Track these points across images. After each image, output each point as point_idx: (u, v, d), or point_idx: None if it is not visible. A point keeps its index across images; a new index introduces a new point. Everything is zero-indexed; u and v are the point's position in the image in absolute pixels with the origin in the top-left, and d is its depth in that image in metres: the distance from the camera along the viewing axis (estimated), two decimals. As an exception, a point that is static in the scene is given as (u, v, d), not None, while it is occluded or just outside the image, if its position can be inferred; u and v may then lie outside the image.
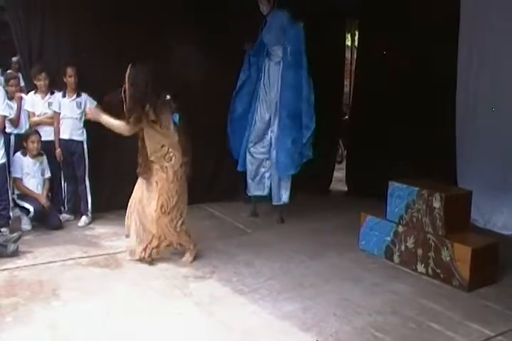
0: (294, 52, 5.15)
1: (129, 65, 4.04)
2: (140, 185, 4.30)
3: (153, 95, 4.01)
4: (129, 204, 4.35)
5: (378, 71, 6.22)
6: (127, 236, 4.43)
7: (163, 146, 4.12)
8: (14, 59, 6.81)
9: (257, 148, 5.54)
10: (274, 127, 5.38)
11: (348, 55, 9.12)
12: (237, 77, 5.60)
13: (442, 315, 3.46)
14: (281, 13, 5.27)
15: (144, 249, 4.23)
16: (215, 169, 6.20)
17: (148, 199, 4.22)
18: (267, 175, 5.55)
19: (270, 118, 5.43)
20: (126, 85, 4.01)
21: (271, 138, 5.44)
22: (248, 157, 5.57)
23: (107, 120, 4.18)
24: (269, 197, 5.56)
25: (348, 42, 9.37)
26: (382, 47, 6.10)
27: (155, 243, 4.23)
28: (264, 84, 5.45)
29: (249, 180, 5.64)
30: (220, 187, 6.23)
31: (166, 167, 4.13)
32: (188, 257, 4.30)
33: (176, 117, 4.14)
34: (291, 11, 5.24)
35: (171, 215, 4.19)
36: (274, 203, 5.50)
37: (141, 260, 4.24)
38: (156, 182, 4.16)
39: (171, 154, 4.13)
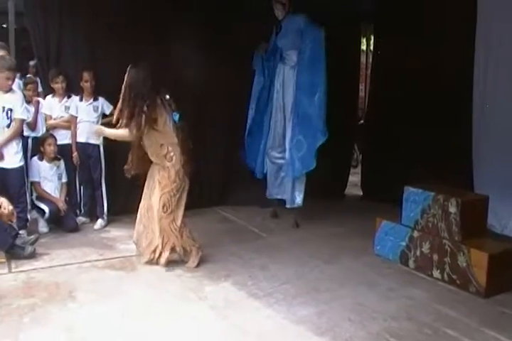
0: (311, 56, 5.16)
1: (128, 67, 4.09)
2: (146, 187, 4.33)
3: (151, 93, 4.04)
4: (139, 207, 4.38)
5: (394, 75, 6.20)
6: (134, 241, 4.44)
7: (162, 145, 4.14)
8: (31, 63, 6.90)
9: (275, 153, 5.58)
10: (289, 130, 5.40)
11: (363, 59, 9.12)
12: (251, 82, 5.65)
13: (458, 321, 3.42)
14: (298, 17, 5.29)
15: (153, 251, 4.25)
16: (229, 172, 6.23)
17: (152, 199, 4.25)
18: (285, 180, 5.57)
19: (285, 123, 5.45)
20: (123, 86, 4.06)
21: (286, 143, 5.45)
22: (267, 162, 5.63)
23: (111, 132, 4.35)
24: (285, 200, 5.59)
25: (364, 47, 9.35)
26: (397, 50, 6.08)
27: (159, 244, 4.22)
28: (278, 89, 5.47)
29: (269, 184, 5.69)
30: (234, 191, 6.24)
31: (168, 167, 4.15)
32: (191, 262, 4.26)
33: (176, 116, 4.15)
34: (307, 15, 5.26)
35: (173, 215, 4.20)
36: (288, 206, 5.51)
37: (150, 262, 4.26)
38: (159, 182, 4.19)
39: (172, 154, 4.14)
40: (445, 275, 4.06)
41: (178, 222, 4.22)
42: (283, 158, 5.53)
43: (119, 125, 4.18)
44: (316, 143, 5.17)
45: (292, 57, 5.34)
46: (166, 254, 4.25)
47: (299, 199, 5.41)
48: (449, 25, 5.48)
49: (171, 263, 4.28)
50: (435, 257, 4.14)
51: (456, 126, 5.52)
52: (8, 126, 4.71)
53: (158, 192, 4.18)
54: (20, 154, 4.81)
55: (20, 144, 4.82)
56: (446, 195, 4.15)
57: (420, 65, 5.78)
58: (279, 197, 5.66)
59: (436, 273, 4.13)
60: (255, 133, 5.69)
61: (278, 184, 5.64)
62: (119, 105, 4.14)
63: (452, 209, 4.07)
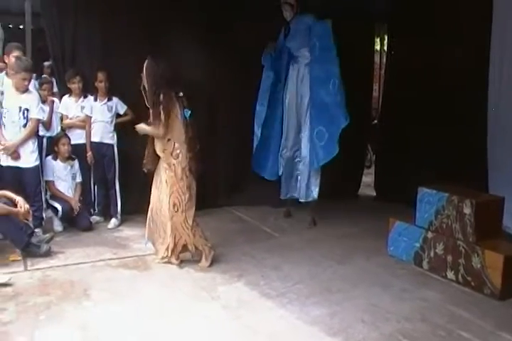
0: (322, 48, 5.17)
1: (146, 58, 4.11)
2: (154, 187, 4.32)
3: (167, 87, 4.07)
4: (149, 207, 4.38)
5: (407, 75, 6.17)
6: (148, 240, 4.45)
7: (169, 140, 4.14)
8: (46, 63, 6.98)
9: (289, 152, 5.59)
10: (306, 126, 5.42)
11: (377, 59, 9.08)
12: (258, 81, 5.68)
13: (473, 323, 3.40)
14: (306, 17, 5.33)
15: (166, 249, 4.27)
16: (241, 172, 6.22)
17: (161, 199, 4.25)
18: (300, 177, 5.59)
19: (300, 122, 5.48)
20: (144, 77, 4.08)
21: (301, 140, 5.50)
22: (282, 161, 5.65)
23: (142, 127, 4.31)
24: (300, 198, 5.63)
25: (377, 47, 9.31)
26: (411, 50, 6.04)
27: (171, 243, 4.24)
28: (291, 90, 5.49)
29: (283, 183, 5.71)
30: (246, 191, 6.25)
31: (174, 164, 4.14)
32: (204, 262, 4.26)
33: (188, 113, 4.16)
34: (319, 15, 5.27)
35: (185, 214, 4.19)
36: (303, 200, 5.53)
37: (163, 259, 4.29)
38: (166, 181, 4.18)
39: (178, 151, 4.14)
40: (459, 277, 4.03)
41: (190, 221, 4.22)
42: (297, 156, 5.57)
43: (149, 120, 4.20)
44: (338, 129, 5.09)
45: (305, 54, 5.37)
46: (177, 253, 4.28)
47: (314, 193, 5.43)
48: (464, 25, 5.43)
49: (183, 263, 4.31)
50: (449, 258, 4.12)
51: (471, 126, 5.47)
52: (25, 125, 4.77)
53: (167, 191, 4.17)
54: (36, 153, 4.87)
55: (36, 143, 4.89)
56: (460, 196, 4.12)
57: (434, 64, 5.75)
58: (294, 195, 5.69)
59: (450, 275, 4.10)
60: (266, 134, 5.68)
61: (292, 183, 5.67)
62: (147, 99, 4.14)
63: (467, 211, 4.04)
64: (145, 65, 4.09)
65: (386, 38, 7.74)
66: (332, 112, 5.13)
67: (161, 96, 4.04)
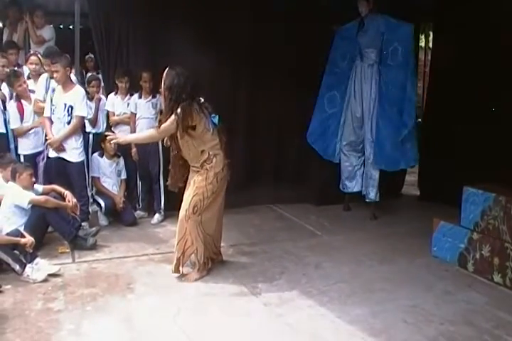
0: (404, 54, 5.29)
1: (166, 69, 3.97)
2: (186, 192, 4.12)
3: (188, 99, 3.86)
4: None
5: (452, 72, 6.02)
6: None
7: (203, 151, 3.96)
8: (87, 56, 7.17)
9: (350, 147, 5.71)
10: (368, 125, 5.52)
11: (421, 56, 8.92)
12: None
13: (521, 329, 3.30)
14: (380, 17, 5.39)
15: (176, 264, 4.02)
16: (283, 169, 6.24)
17: (183, 199, 4.06)
18: (359, 172, 5.72)
19: (363, 118, 5.58)
20: (162, 89, 3.96)
21: (364, 136, 5.58)
22: (342, 156, 5.79)
23: (133, 137, 4.40)
24: (361, 194, 5.77)
25: (422, 44, 9.14)
26: (456, 47, 5.90)
27: (179, 252, 3.99)
28: (355, 85, 5.60)
29: (343, 177, 5.82)
30: (289, 189, 6.23)
31: (207, 169, 3.95)
32: (194, 274, 4.00)
33: (215, 118, 4.01)
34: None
35: (202, 217, 3.98)
36: (367, 200, 5.67)
37: (179, 276, 4.03)
38: (194, 183, 3.99)
39: (212, 157, 3.95)
40: (507, 280, 3.91)
41: (205, 226, 4.02)
42: (358, 151, 5.70)
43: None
44: (399, 136, 5.35)
45: (371, 55, 5.49)
46: (183, 263, 4.05)
47: (372, 194, 5.59)
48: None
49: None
50: (496, 261, 4.01)
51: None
52: (69, 122, 4.89)
53: (192, 192, 3.97)
54: (80, 150, 4.98)
55: (80, 140, 4.99)
56: (508, 197, 4.00)
57: (481, 62, 5.59)
58: (353, 190, 5.80)
59: (497, 278, 3.99)
60: (329, 124, 5.86)
61: (351, 178, 5.78)
62: (164, 108, 4.09)
63: (515, 212, 3.92)
64: (164, 75, 3.93)
65: (431, 34, 7.58)
66: (407, 118, 5.33)
67: (178, 110, 3.81)
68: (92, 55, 6.91)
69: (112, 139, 4.28)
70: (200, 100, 3.97)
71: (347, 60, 5.74)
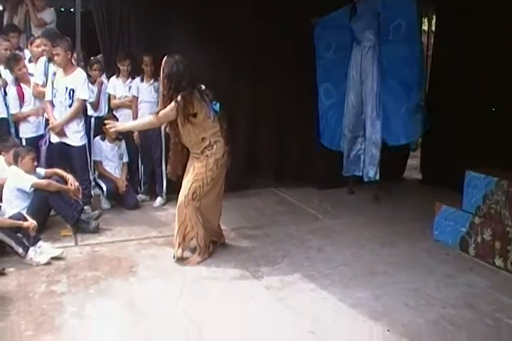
0: (408, 27, 5.16)
1: (164, 57, 3.92)
2: (184, 178, 4.12)
3: (188, 87, 3.82)
4: None
5: (456, 56, 5.96)
6: None
7: (204, 139, 3.94)
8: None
9: (352, 132, 5.70)
10: (370, 104, 5.49)
11: (424, 39, 8.81)
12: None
13: (522, 312, 3.31)
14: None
15: (178, 247, 4.03)
16: (285, 153, 6.26)
17: (183, 185, 4.04)
18: (362, 157, 5.71)
19: (363, 103, 5.55)
20: (161, 77, 3.92)
21: (365, 116, 5.57)
22: (344, 141, 5.79)
23: (132, 125, 4.41)
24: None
25: (425, 27, 9.03)
26: (459, 30, 5.82)
27: (180, 237, 4.01)
28: (355, 71, 5.55)
29: (345, 162, 5.83)
30: (291, 172, 6.30)
31: (207, 155, 3.94)
32: (196, 257, 4.00)
33: (217, 106, 4.00)
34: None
35: (200, 203, 3.98)
36: (366, 179, 5.67)
37: (179, 260, 4.03)
38: (194, 169, 3.98)
39: (213, 143, 3.94)
40: (508, 264, 3.92)
41: (204, 211, 4.03)
42: (359, 136, 5.67)
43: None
44: (413, 106, 5.34)
45: (369, 37, 5.40)
46: (185, 247, 4.04)
47: (372, 172, 5.56)
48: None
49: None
50: (497, 245, 4.01)
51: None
52: (70, 105, 4.87)
53: (191, 178, 3.96)
54: (82, 133, 4.96)
55: (82, 124, 4.98)
56: (510, 181, 3.99)
57: (485, 45, 5.52)
58: (355, 173, 5.80)
59: (498, 262, 4.00)
60: (332, 111, 5.88)
61: (354, 161, 5.78)
62: (160, 96, 4.05)
63: (517, 196, 3.92)
64: (163, 63, 3.89)
65: (434, 17, 7.48)
66: (412, 91, 5.27)
67: (179, 97, 3.78)
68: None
69: (111, 127, 4.27)
70: (201, 87, 3.95)
71: (332, 50, 5.71)
